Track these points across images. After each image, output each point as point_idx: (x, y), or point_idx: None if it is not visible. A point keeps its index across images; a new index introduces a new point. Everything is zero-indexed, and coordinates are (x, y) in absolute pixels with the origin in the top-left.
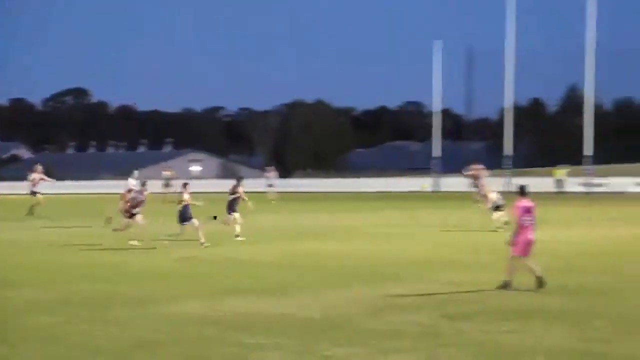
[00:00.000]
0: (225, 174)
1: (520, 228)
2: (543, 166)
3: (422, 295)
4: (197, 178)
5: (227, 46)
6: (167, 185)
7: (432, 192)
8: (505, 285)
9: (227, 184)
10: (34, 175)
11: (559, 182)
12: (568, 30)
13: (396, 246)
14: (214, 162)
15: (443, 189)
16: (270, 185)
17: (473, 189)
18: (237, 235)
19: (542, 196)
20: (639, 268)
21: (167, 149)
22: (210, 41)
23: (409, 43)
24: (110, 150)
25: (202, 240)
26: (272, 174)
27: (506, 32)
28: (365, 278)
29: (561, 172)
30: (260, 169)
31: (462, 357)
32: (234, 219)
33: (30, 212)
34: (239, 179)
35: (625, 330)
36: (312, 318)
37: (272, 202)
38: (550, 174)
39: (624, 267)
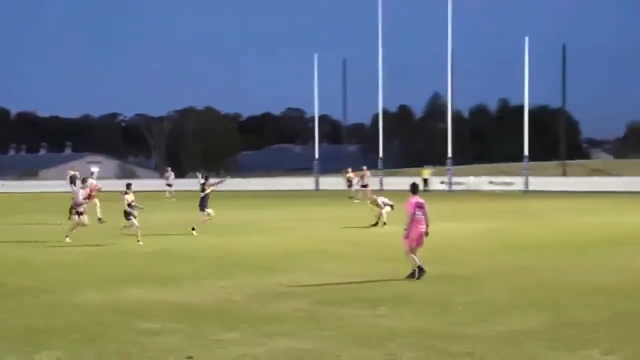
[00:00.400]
0: (123, 174)
1: (413, 221)
2: (411, 167)
3: (303, 284)
4: (96, 178)
5: (123, 54)
6: (74, 183)
7: (314, 190)
8: (414, 275)
9: (124, 184)
10: None
11: (426, 181)
12: (432, 44)
13: (279, 239)
14: (112, 163)
15: (322, 188)
16: (169, 185)
17: (354, 188)
18: (193, 228)
19: (403, 194)
20: (492, 259)
21: (67, 151)
22: (111, 50)
23: (290, 53)
24: (11, 152)
25: (139, 239)
26: (170, 174)
27: (378, 46)
28: (251, 268)
29: (427, 171)
30: (156, 170)
31: (341, 339)
32: (208, 214)
33: None
34: (206, 177)
35: (482, 314)
36: (202, 305)
37: (172, 200)
38: (418, 174)
39: (480, 258)
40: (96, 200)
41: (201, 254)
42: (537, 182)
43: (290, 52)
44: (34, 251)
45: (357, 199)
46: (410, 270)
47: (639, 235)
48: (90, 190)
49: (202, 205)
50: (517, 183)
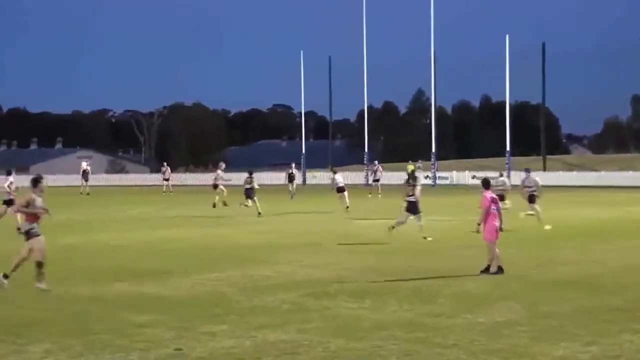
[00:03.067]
0: (113, 169)
1: (489, 216)
2: (395, 161)
3: (289, 276)
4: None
5: (112, 51)
6: (85, 178)
7: (301, 184)
8: (498, 270)
9: (115, 179)
10: None
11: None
12: (415, 42)
13: (265, 233)
14: (103, 159)
15: (309, 182)
16: (166, 180)
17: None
18: (260, 213)
19: (397, 188)
20: (474, 252)
21: (58, 146)
22: (96, 45)
23: (277, 50)
24: (2, 148)
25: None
26: (166, 169)
27: (363, 43)
28: (237, 261)
29: (412, 166)
30: (146, 165)
31: (327, 330)
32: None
33: None
34: (250, 172)
35: (465, 306)
36: (190, 298)
37: (170, 194)
38: (403, 169)
39: (464, 251)
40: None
41: (186, 247)
42: (519, 177)
43: (278, 49)
44: (12, 243)
45: (370, 194)
46: (495, 267)
47: (614, 229)
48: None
49: (247, 195)
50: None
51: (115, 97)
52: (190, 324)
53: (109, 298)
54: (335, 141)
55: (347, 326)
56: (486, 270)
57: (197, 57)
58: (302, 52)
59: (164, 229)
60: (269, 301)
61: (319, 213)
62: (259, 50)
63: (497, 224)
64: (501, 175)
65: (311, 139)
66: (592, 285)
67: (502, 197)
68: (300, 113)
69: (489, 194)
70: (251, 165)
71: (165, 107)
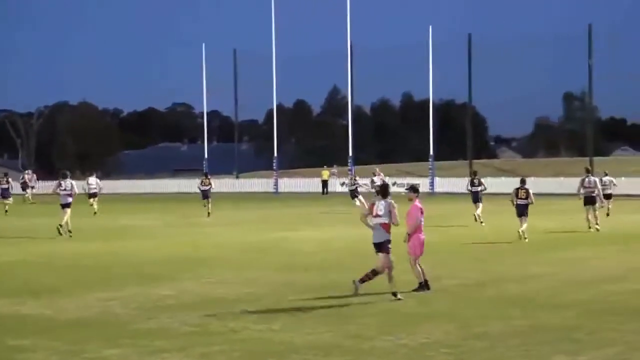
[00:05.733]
0: None
1: (416, 228)
2: (309, 167)
3: (192, 294)
4: None
5: None
6: (25, 187)
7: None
8: (422, 287)
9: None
10: None
11: (325, 183)
12: (330, 35)
13: (165, 246)
14: None
15: (213, 190)
16: (32, 187)
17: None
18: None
19: (309, 196)
20: (395, 267)
21: None
22: None
23: (176, 44)
24: None
25: None
26: (32, 176)
27: (272, 36)
28: (133, 278)
29: (327, 172)
30: (24, 171)
31: (233, 355)
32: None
33: None
34: (206, 174)
35: (386, 326)
36: (79, 319)
37: (33, 203)
38: (317, 175)
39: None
40: None
41: (77, 262)
42: (444, 183)
43: (176, 41)
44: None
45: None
46: (416, 284)
47: (553, 240)
48: None
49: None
50: (422, 184)
51: None
52: (78, 348)
53: None
54: (241, 144)
55: (254, 350)
56: (420, 287)
57: (83, 50)
58: (203, 44)
59: (48, 242)
60: (168, 323)
61: (235, 224)
62: (155, 43)
63: (423, 237)
64: (606, 174)
65: (215, 142)
66: (529, 303)
67: (608, 196)
68: (202, 113)
69: (419, 203)
70: (150, 171)
71: (46, 107)
